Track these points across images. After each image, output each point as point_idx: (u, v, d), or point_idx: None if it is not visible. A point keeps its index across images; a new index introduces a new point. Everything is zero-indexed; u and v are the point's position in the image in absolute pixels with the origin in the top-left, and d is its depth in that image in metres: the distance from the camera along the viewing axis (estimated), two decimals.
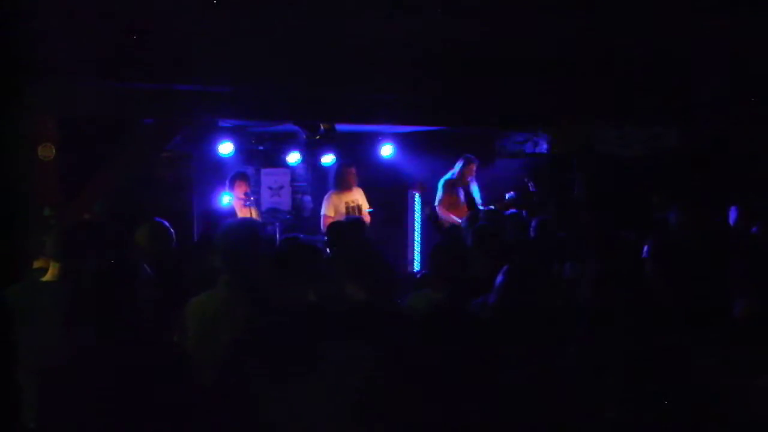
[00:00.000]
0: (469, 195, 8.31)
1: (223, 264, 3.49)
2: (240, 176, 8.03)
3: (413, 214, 9.82)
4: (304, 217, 9.97)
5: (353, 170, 8.20)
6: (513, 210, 7.26)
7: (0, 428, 2.42)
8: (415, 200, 9.79)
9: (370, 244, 5.30)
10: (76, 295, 3.22)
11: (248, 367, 2.73)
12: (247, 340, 2.86)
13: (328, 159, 9.03)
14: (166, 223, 4.58)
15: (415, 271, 9.42)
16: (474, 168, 8.41)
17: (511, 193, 8.29)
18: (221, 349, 2.92)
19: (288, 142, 9.44)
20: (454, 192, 8.41)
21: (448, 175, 8.49)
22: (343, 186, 8.13)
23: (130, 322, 2.75)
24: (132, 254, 4.21)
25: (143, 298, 2.85)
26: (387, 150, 9.12)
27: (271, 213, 9.36)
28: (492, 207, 7.84)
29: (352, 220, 6.67)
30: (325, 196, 8.23)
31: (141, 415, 2.59)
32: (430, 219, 6.82)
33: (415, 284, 5.18)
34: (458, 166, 8.42)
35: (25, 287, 3.69)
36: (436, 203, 8.48)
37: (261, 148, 9.70)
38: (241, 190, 7.91)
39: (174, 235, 4.56)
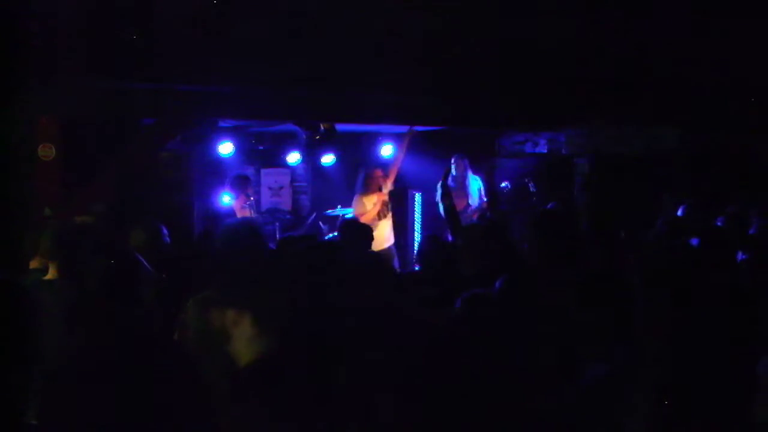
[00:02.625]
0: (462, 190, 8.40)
1: (223, 262, 3.49)
2: (243, 179, 7.96)
3: (413, 214, 9.81)
4: (303, 217, 9.95)
5: (380, 173, 7.99)
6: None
7: (2, 427, 2.42)
8: (415, 200, 9.78)
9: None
10: (78, 293, 3.22)
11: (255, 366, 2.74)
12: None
13: (328, 159, 9.02)
14: (159, 223, 4.59)
15: (415, 270, 9.40)
16: (463, 163, 8.46)
17: (506, 183, 8.34)
18: (223, 346, 2.92)
19: (288, 142, 9.42)
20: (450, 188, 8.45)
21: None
22: (370, 189, 7.90)
23: (131, 320, 2.75)
24: (132, 253, 4.22)
25: (144, 297, 2.85)
26: (387, 150, 9.11)
27: (271, 213, 9.35)
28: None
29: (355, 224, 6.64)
30: (354, 199, 8.03)
31: (142, 413, 2.59)
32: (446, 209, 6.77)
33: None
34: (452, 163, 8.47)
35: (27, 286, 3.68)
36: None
37: (261, 148, 9.69)
38: (244, 193, 7.86)
39: (167, 234, 4.56)
